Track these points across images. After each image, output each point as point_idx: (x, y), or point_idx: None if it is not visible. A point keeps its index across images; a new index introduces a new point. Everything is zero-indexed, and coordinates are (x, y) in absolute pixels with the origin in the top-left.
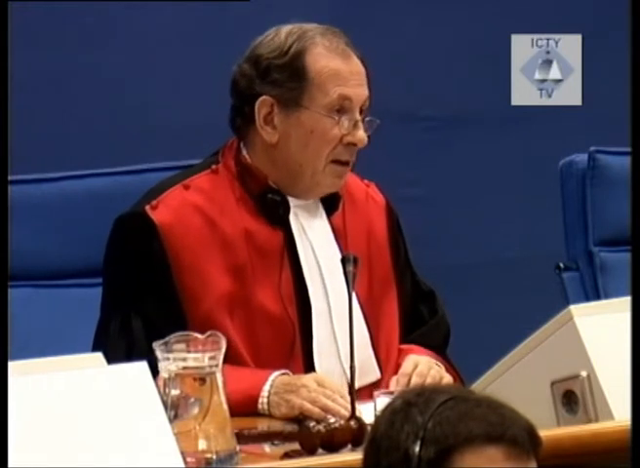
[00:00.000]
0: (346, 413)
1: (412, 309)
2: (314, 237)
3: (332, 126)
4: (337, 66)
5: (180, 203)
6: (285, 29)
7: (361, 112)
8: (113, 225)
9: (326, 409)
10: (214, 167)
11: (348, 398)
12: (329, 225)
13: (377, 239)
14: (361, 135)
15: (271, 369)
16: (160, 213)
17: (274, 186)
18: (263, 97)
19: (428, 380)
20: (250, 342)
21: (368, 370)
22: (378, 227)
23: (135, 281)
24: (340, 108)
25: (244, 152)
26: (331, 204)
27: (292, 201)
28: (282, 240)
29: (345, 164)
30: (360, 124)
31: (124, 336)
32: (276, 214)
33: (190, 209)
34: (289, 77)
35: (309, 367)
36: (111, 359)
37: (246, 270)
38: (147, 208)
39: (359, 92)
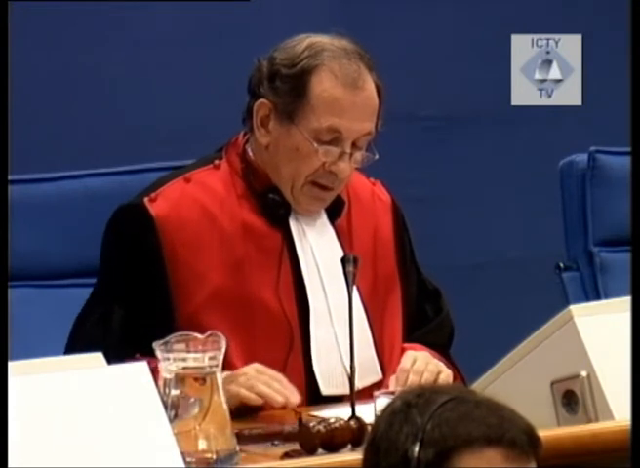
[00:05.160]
0: (281, 399)
1: (417, 308)
2: (314, 239)
3: (314, 152)
4: (338, 95)
5: (179, 196)
6: (308, 40)
7: (355, 146)
8: (112, 215)
9: (262, 395)
10: (216, 162)
11: (287, 384)
12: (331, 227)
13: (382, 238)
14: (343, 166)
15: (268, 366)
16: (158, 205)
17: (276, 186)
18: (263, 100)
19: (426, 375)
20: (244, 339)
21: (369, 371)
22: (383, 226)
23: (124, 272)
24: (332, 139)
25: (249, 150)
26: (334, 210)
27: None
28: (281, 240)
29: (325, 188)
30: (347, 157)
31: (102, 326)
32: (277, 213)
33: (189, 202)
34: (290, 90)
35: (309, 366)
36: (85, 346)
37: (243, 266)
38: (146, 200)
39: (355, 126)
